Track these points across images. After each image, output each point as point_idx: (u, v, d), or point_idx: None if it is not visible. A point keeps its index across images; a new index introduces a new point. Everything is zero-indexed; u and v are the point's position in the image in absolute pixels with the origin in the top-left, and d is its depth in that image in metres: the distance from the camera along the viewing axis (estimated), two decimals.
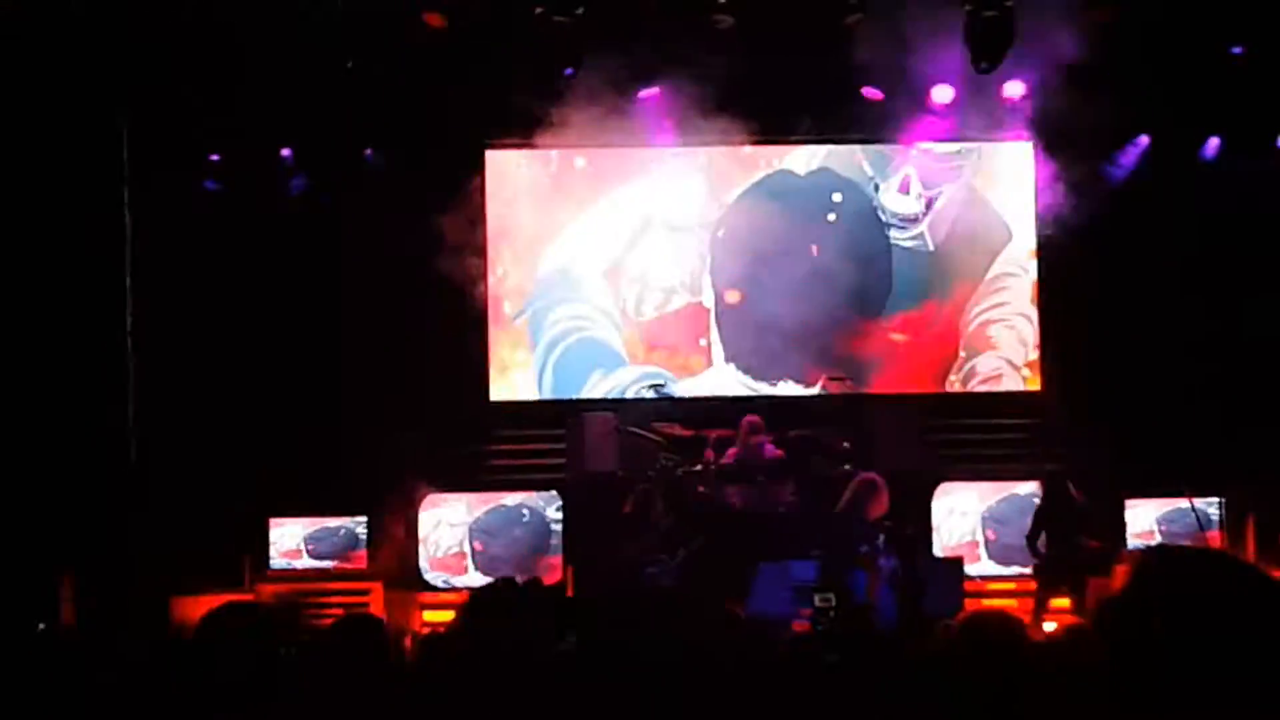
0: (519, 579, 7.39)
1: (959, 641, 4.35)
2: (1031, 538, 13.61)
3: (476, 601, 4.65)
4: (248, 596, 14.16)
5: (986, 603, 13.21)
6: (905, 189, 16.35)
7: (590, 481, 14.88)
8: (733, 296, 16.22)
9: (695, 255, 16.28)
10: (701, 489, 13.99)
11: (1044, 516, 13.59)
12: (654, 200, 16.27)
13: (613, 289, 16.25)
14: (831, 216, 16.24)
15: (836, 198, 16.26)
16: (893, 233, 16.32)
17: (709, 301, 16.28)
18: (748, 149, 16.08)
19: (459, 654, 4.46)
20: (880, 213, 16.33)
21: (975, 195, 16.36)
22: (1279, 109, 15.01)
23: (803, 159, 16.26)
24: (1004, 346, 16.23)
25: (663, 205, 16.27)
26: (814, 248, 16.08)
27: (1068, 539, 13.33)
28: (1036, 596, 13.48)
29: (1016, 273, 16.23)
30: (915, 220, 16.34)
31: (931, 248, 16.34)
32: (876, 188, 16.33)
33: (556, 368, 16.18)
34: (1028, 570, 14.04)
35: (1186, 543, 14.46)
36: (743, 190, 16.32)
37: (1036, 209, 15.83)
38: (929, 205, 16.33)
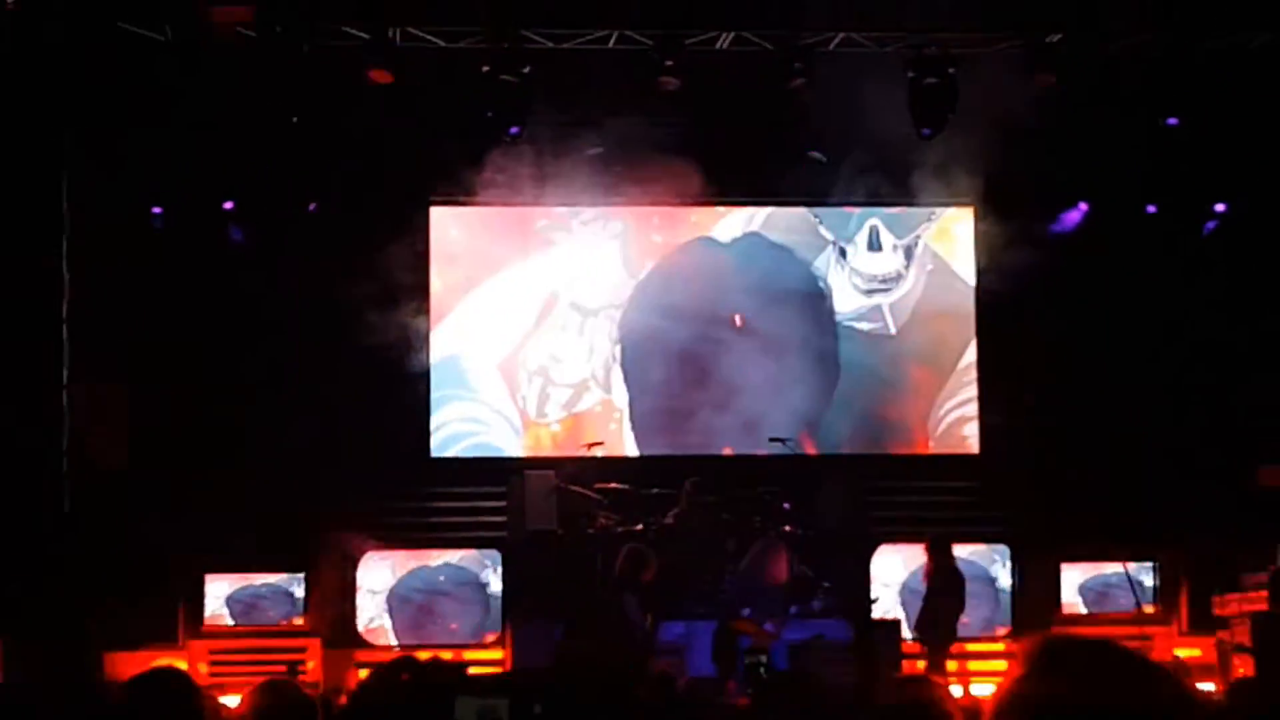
0: (421, 657, 7.29)
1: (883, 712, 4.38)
2: (924, 619, 13.22)
3: (365, 688, 4.58)
4: (181, 654, 14.05)
5: (920, 665, 13.20)
6: (876, 244, 15.44)
7: (531, 539, 14.79)
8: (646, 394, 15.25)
9: (607, 339, 15.35)
10: (640, 548, 13.92)
11: (932, 588, 13.21)
12: (562, 276, 15.36)
13: (509, 385, 15.32)
14: (759, 296, 15.27)
15: (767, 266, 15.40)
16: (872, 299, 15.26)
17: (621, 401, 15.46)
18: (677, 209, 15.47)
19: None
20: (854, 279, 15.26)
21: (941, 264, 15.55)
22: (1213, 177, 15.19)
23: (734, 223, 15.60)
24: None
25: (571, 282, 15.28)
26: (738, 327, 15.19)
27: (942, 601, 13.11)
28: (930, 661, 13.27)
29: None
30: (899, 278, 15.26)
31: (893, 331, 15.43)
32: (843, 253, 15.32)
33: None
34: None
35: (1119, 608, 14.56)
36: (655, 266, 15.37)
37: (976, 273, 15.86)
38: (909, 255, 15.36)
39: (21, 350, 14.30)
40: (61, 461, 14.46)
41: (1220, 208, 15.52)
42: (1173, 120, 14.53)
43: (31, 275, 14.33)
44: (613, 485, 14.76)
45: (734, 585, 12.77)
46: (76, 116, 14.08)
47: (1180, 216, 15.51)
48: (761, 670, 11.64)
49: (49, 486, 14.33)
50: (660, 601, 12.83)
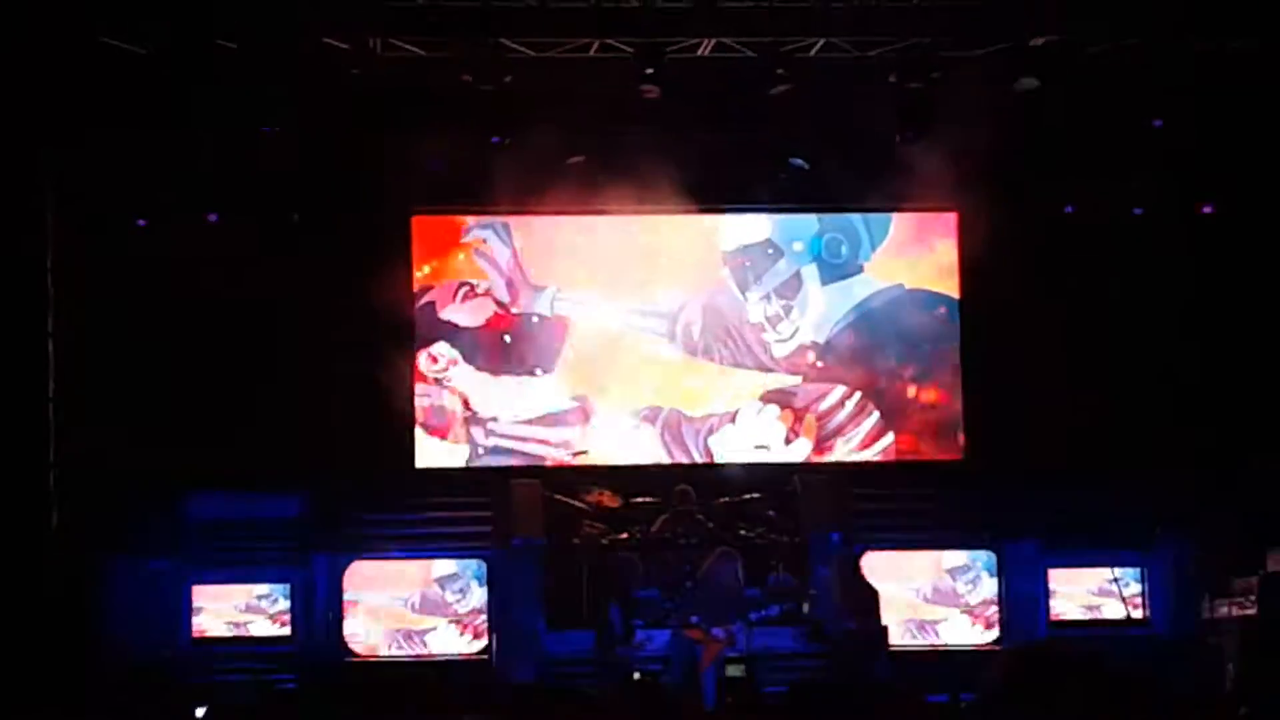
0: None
1: None
2: None
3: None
4: None
5: None
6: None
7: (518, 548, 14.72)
8: None
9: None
10: (630, 558, 13.90)
11: None
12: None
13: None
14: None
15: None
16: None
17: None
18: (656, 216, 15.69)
19: None
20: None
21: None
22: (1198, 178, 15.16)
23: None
24: None
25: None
26: None
27: None
28: None
29: None
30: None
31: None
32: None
33: None
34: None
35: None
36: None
37: (960, 277, 15.84)
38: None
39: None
40: (49, 478, 14.43)
41: (1207, 209, 15.50)
42: (1157, 122, 14.56)
43: (15, 280, 14.28)
44: (604, 498, 14.75)
45: (688, 593, 12.75)
46: (63, 128, 14.05)
47: (1166, 217, 15.47)
48: (740, 681, 11.41)
49: (33, 504, 14.27)
50: (643, 610, 12.82)
